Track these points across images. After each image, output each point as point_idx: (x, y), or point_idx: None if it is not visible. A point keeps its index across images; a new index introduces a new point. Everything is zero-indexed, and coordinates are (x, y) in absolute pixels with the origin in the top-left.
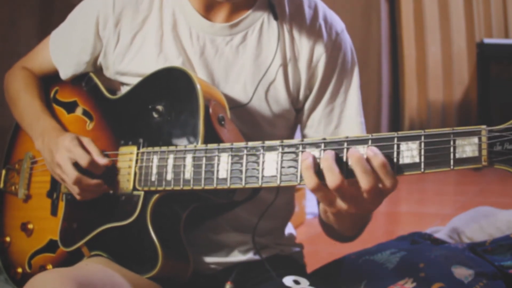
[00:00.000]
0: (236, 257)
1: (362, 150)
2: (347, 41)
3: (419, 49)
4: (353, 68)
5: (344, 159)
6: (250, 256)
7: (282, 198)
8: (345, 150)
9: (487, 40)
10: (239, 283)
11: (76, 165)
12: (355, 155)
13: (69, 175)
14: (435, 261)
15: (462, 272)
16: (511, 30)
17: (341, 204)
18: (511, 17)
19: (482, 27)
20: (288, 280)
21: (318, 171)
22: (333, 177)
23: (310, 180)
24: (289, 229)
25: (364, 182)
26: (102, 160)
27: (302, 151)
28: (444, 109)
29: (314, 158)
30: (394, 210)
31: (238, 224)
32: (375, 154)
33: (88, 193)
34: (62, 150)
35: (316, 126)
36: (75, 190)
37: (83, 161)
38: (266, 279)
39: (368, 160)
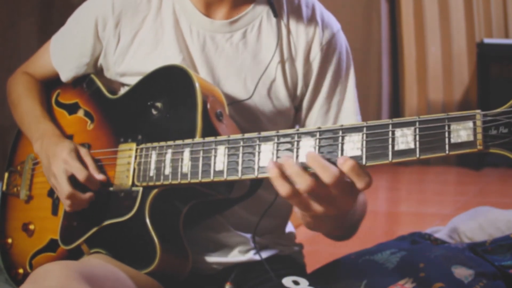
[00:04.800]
0: (236, 257)
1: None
2: (343, 41)
3: (419, 49)
4: (349, 68)
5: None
6: (250, 256)
7: (282, 198)
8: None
9: (487, 40)
10: (239, 283)
11: (71, 178)
12: (308, 154)
13: (63, 189)
14: (435, 261)
15: (462, 272)
16: (511, 30)
17: (317, 206)
18: (511, 17)
19: (482, 27)
20: (287, 281)
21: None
22: (302, 180)
23: (283, 188)
24: (289, 227)
25: (325, 176)
26: (98, 176)
27: (298, 140)
28: (444, 109)
29: (280, 166)
30: (394, 210)
31: (239, 223)
32: (345, 160)
33: (79, 206)
34: (59, 161)
35: (313, 125)
36: (66, 203)
37: (80, 175)
38: (266, 280)
39: (342, 169)
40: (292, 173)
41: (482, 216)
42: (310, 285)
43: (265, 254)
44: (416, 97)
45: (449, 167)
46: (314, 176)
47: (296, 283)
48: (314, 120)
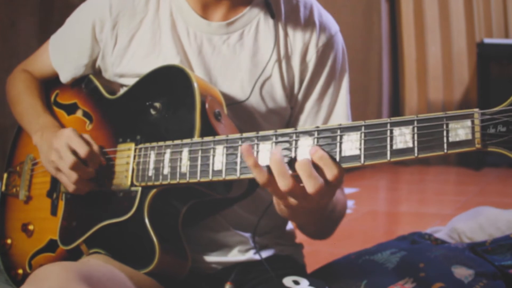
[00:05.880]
0: (236, 256)
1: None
2: (340, 43)
3: (419, 49)
4: (344, 71)
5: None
6: (249, 255)
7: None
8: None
9: (487, 40)
10: (239, 283)
11: (74, 153)
12: (301, 161)
13: (67, 160)
14: (435, 261)
15: (462, 272)
16: (511, 30)
17: (292, 200)
18: (511, 17)
19: (482, 27)
20: (288, 280)
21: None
22: (285, 181)
23: (261, 176)
24: (289, 227)
25: (309, 186)
26: (99, 155)
27: (296, 140)
28: (444, 109)
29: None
30: (394, 210)
31: (238, 223)
32: (316, 150)
33: (82, 184)
34: (61, 137)
35: (302, 124)
36: (71, 177)
37: (82, 150)
38: (266, 280)
39: (312, 159)
40: (275, 171)
41: (482, 216)
42: (310, 285)
43: (265, 254)
44: (416, 97)
45: (449, 167)
46: (296, 177)
47: (296, 283)
48: (304, 119)
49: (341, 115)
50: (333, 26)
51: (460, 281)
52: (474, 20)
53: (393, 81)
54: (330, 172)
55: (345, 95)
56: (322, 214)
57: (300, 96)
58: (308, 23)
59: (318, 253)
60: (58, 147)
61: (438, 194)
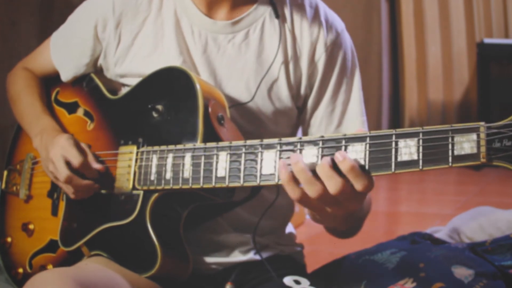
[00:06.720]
0: (237, 257)
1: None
2: (348, 41)
3: (419, 49)
4: (354, 67)
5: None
6: (250, 256)
7: (283, 198)
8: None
9: (487, 40)
10: (240, 283)
11: (68, 164)
12: (320, 164)
13: (61, 173)
14: (435, 261)
15: (462, 272)
16: (511, 30)
17: (326, 209)
18: (511, 17)
19: (482, 27)
20: (288, 280)
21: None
22: (315, 188)
23: (294, 192)
24: (289, 228)
25: (330, 187)
26: (95, 164)
27: (301, 149)
28: (444, 109)
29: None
30: (394, 210)
31: (239, 224)
32: (344, 158)
33: (81, 192)
34: (57, 147)
35: (318, 125)
36: (68, 189)
37: (75, 161)
38: (266, 280)
39: (337, 164)
40: (302, 180)
41: (482, 216)
42: (310, 285)
43: (265, 254)
44: (416, 97)
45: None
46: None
47: (297, 282)
48: (319, 120)
49: (356, 111)
50: (339, 24)
51: (460, 281)
52: (474, 20)
53: (393, 81)
54: (360, 183)
55: (358, 92)
56: (353, 217)
57: (313, 97)
58: (315, 22)
59: (318, 253)
60: (53, 158)
61: (438, 194)
